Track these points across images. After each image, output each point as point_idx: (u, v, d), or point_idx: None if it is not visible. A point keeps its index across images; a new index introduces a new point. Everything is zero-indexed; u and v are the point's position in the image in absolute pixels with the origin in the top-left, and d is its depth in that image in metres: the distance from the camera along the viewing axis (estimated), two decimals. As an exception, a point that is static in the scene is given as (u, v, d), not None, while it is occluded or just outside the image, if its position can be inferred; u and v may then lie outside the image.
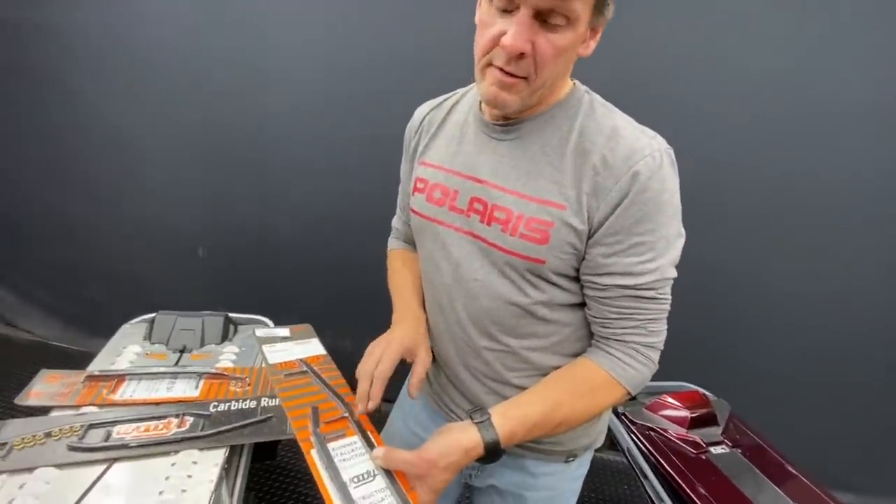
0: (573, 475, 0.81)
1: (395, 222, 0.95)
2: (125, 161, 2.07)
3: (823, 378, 1.74)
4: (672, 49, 1.54)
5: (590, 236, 0.61)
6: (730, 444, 1.21)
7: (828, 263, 1.65)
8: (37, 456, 0.76)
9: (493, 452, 0.59)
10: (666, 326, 0.65)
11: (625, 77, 1.51)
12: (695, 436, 1.21)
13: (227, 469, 0.83)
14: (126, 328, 1.23)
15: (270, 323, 1.33)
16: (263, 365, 0.80)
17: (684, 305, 1.58)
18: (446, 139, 0.74)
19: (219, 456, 0.82)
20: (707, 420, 1.25)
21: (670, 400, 1.28)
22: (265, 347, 0.79)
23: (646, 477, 1.14)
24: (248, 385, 1.00)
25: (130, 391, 0.94)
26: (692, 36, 1.52)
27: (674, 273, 0.63)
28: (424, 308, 0.81)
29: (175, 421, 0.86)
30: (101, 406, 0.90)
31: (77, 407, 0.89)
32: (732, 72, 1.53)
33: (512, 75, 0.58)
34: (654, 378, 0.68)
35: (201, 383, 0.98)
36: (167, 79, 1.91)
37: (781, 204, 1.62)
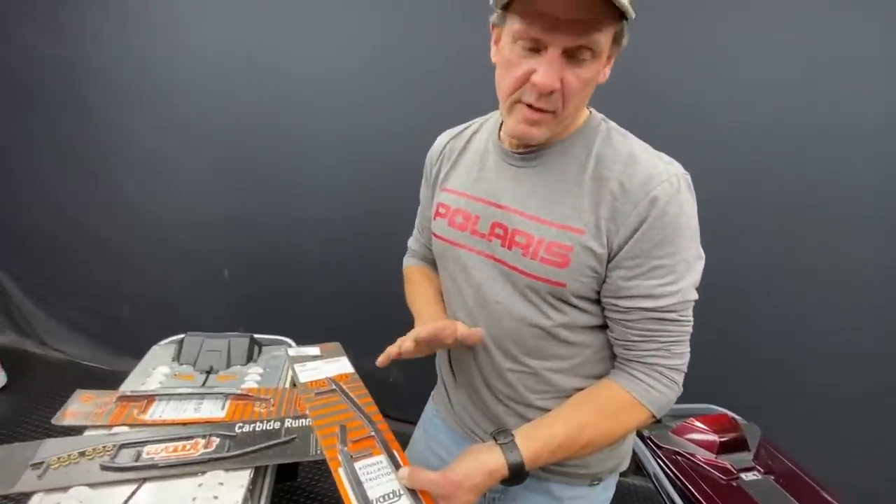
0: (598, 499, 0.80)
1: (412, 243, 0.97)
2: (156, 186, 2.16)
3: (860, 401, 1.67)
4: (684, 64, 1.55)
5: (609, 260, 0.62)
6: (762, 469, 1.17)
7: (862, 281, 1.59)
8: (71, 475, 0.79)
9: (517, 474, 0.59)
10: (689, 349, 0.65)
11: (638, 94, 1.53)
12: (724, 461, 1.17)
13: (252, 490, 0.84)
14: (156, 349, 1.26)
15: (293, 343, 1.35)
16: (295, 383, 0.81)
17: (708, 326, 1.55)
18: (467, 166, 0.77)
19: (244, 477, 0.83)
20: (737, 445, 1.21)
21: (697, 423, 1.25)
22: (297, 366, 0.81)
23: (674, 503, 1.11)
24: (273, 406, 1.01)
25: (160, 411, 0.96)
26: (704, 50, 1.53)
27: (695, 295, 0.63)
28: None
29: (202, 441, 0.88)
30: (132, 426, 0.92)
31: (109, 427, 0.92)
32: (747, 85, 1.52)
33: (541, 111, 0.60)
34: (679, 400, 0.67)
35: (227, 404, 1.00)
36: (195, 107, 2.00)
37: (807, 220, 1.58)
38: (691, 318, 0.64)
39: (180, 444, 0.87)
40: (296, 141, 1.95)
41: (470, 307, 0.73)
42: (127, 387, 1.08)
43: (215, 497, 0.78)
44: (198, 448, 0.86)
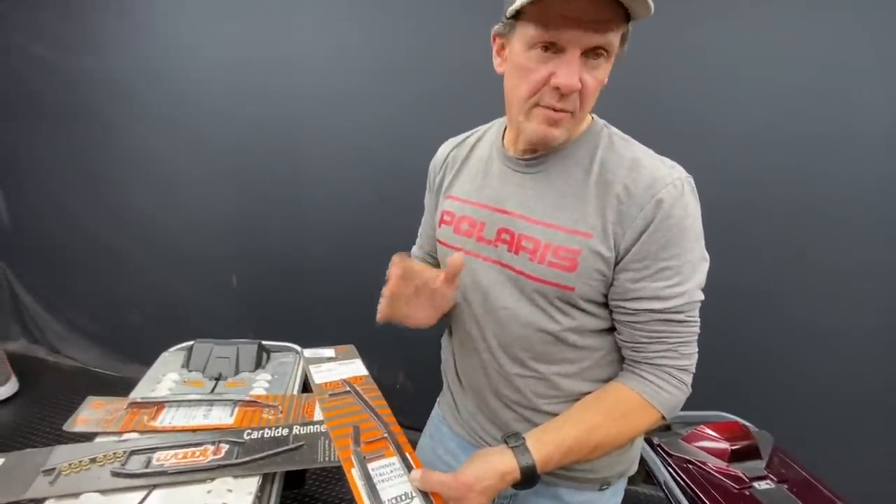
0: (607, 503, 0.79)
1: (415, 250, 0.97)
2: (165, 195, 2.19)
3: (875, 408, 1.64)
4: (689, 67, 1.55)
5: (617, 262, 0.63)
6: (775, 478, 1.15)
7: (876, 286, 1.57)
8: (82, 481, 0.79)
9: (529, 477, 0.59)
10: (696, 349, 0.66)
11: (644, 97, 1.53)
12: (736, 469, 1.15)
13: (260, 497, 0.84)
14: (165, 356, 1.27)
15: (300, 350, 1.36)
16: (304, 389, 0.81)
17: (718, 332, 1.54)
18: (471, 174, 0.77)
19: (252, 484, 0.83)
20: (749, 453, 1.20)
21: (708, 431, 1.23)
22: (312, 368, 0.81)
23: (685, 512, 1.10)
24: (281, 413, 1.02)
25: (170, 418, 0.97)
26: (709, 53, 1.52)
27: (701, 296, 0.64)
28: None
29: (211, 448, 0.88)
30: (142, 432, 0.93)
31: (120, 433, 0.92)
32: (750, 87, 1.51)
33: (562, 111, 0.61)
34: (689, 407, 0.67)
35: (236, 411, 1.01)
36: (204, 116, 2.03)
37: (818, 224, 1.57)
38: (698, 319, 0.64)
39: (190, 450, 0.87)
40: (303, 149, 1.97)
41: (477, 313, 0.73)
42: (137, 393, 1.09)
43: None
44: (207, 455, 0.87)
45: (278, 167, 2.02)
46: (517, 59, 0.61)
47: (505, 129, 0.75)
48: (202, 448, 0.88)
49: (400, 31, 1.76)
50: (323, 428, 0.95)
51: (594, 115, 0.71)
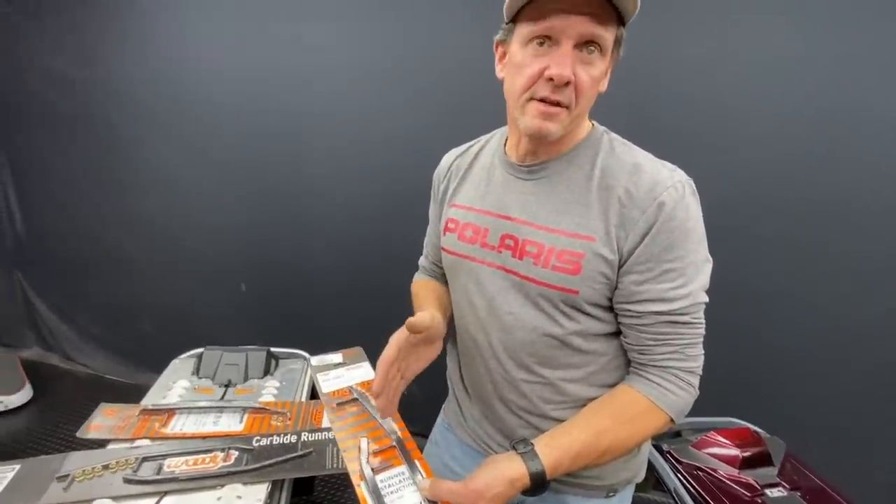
0: None
1: (422, 261, 0.98)
2: (175, 205, 2.22)
3: (891, 414, 1.61)
4: (694, 71, 1.55)
5: (620, 266, 0.64)
6: (787, 486, 1.13)
7: (892, 288, 1.55)
8: (95, 488, 0.80)
9: (539, 483, 0.59)
10: (702, 352, 0.66)
11: (648, 98, 1.53)
12: (748, 477, 1.14)
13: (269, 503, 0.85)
14: (176, 363, 1.29)
15: (308, 356, 1.36)
16: (312, 396, 0.81)
17: (728, 337, 1.53)
18: (474, 182, 0.78)
19: (261, 491, 0.84)
20: (761, 459, 1.18)
21: (718, 437, 1.22)
22: (319, 376, 0.81)
23: (696, 520, 1.08)
24: (289, 420, 1.03)
25: (180, 425, 0.98)
26: (716, 57, 1.52)
27: (705, 298, 0.64)
28: (454, 340, 0.83)
29: (221, 455, 0.89)
30: (153, 439, 0.94)
31: (132, 440, 0.94)
32: (761, 92, 1.51)
33: (557, 104, 0.62)
34: (699, 413, 0.66)
35: (245, 417, 1.02)
36: (214, 127, 2.06)
37: (831, 225, 1.55)
38: (703, 321, 0.65)
39: (200, 457, 0.88)
40: (310, 158, 1.99)
41: (482, 319, 0.74)
42: (148, 400, 1.10)
43: (234, 510, 0.79)
44: (217, 461, 0.88)
45: (286, 176, 2.04)
46: (514, 58, 0.64)
47: (507, 137, 0.76)
48: (212, 455, 0.89)
49: (406, 40, 1.78)
50: (331, 435, 0.95)
51: (594, 122, 0.72)
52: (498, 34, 0.68)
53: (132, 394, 1.32)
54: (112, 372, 2.49)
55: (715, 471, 1.17)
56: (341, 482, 1.84)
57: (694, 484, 1.13)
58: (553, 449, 0.61)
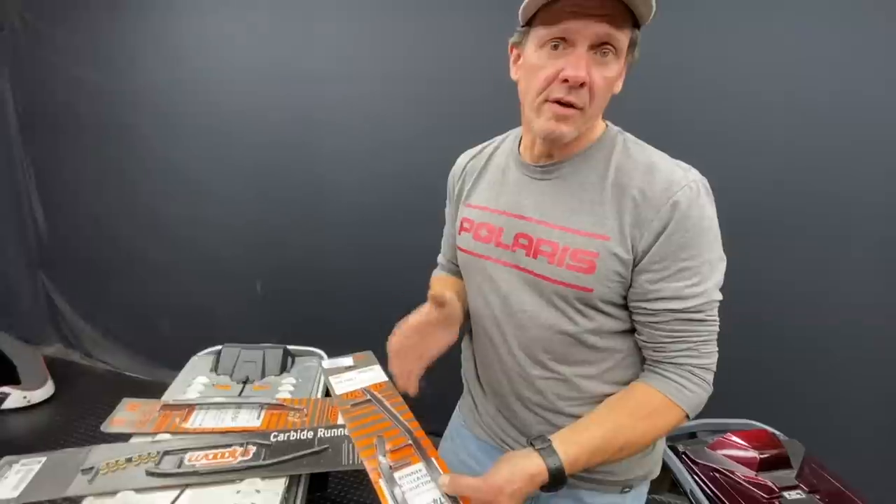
0: None
1: (440, 259, 0.99)
2: (193, 207, 2.26)
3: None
4: (711, 72, 1.53)
5: (635, 265, 0.64)
6: (806, 488, 1.12)
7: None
8: (119, 480, 0.83)
9: (557, 479, 0.60)
10: (716, 349, 0.66)
11: (662, 108, 1.52)
12: (766, 479, 1.12)
13: (287, 498, 0.86)
14: (195, 360, 1.31)
15: (324, 355, 1.38)
16: (332, 397, 0.82)
17: (746, 339, 1.51)
18: (488, 182, 0.79)
19: (279, 485, 0.85)
20: (779, 462, 1.16)
21: (735, 439, 1.20)
22: (332, 378, 0.82)
23: (712, 522, 1.07)
24: (306, 416, 1.04)
25: (200, 420, 1.00)
26: (733, 59, 1.51)
27: (719, 296, 0.64)
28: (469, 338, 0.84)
29: (240, 450, 0.91)
30: (174, 433, 0.96)
31: (153, 434, 0.96)
32: (777, 95, 1.49)
33: (570, 106, 0.62)
34: (715, 415, 0.66)
35: (263, 413, 1.04)
36: (231, 132, 2.10)
37: (848, 226, 1.52)
38: (717, 318, 0.65)
39: (219, 451, 0.90)
40: (325, 159, 2.02)
41: (497, 317, 0.74)
42: (169, 396, 1.13)
43: (252, 504, 0.81)
44: (236, 456, 0.89)
45: (301, 178, 2.07)
46: (530, 61, 0.64)
47: (521, 138, 0.77)
48: (231, 449, 0.91)
49: (420, 42, 1.79)
50: (347, 432, 0.96)
51: (608, 122, 0.72)
52: (513, 37, 0.68)
53: (151, 391, 1.34)
54: (131, 369, 2.54)
55: (732, 472, 1.15)
56: (355, 479, 1.85)
57: (710, 485, 1.12)
58: (571, 445, 0.61)
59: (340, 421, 1.02)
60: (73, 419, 2.13)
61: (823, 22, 1.41)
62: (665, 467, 1.13)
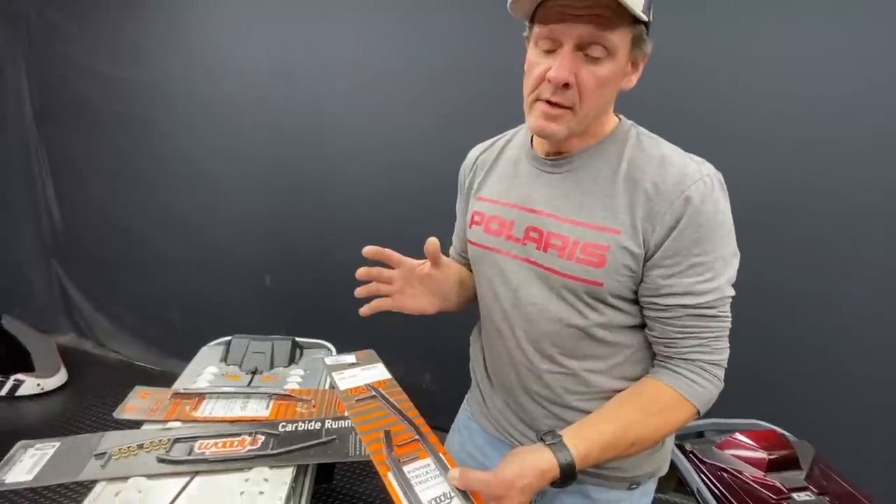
0: (637, 503, 0.78)
1: (451, 252, 0.99)
2: (204, 200, 2.28)
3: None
4: (725, 71, 1.51)
5: (647, 259, 0.63)
6: (816, 490, 1.11)
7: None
8: (131, 466, 0.84)
9: (568, 474, 0.60)
10: (728, 345, 0.66)
11: (676, 104, 1.50)
12: (774, 480, 1.11)
13: (294, 487, 0.87)
14: (205, 350, 1.33)
15: (332, 347, 1.39)
16: (336, 392, 0.82)
17: (756, 339, 1.50)
18: (500, 175, 0.79)
19: (287, 474, 0.86)
20: (788, 463, 1.16)
21: (744, 439, 1.20)
22: (335, 374, 0.82)
23: (719, 522, 1.07)
24: (314, 407, 1.05)
25: (209, 409, 1.01)
26: (749, 57, 1.49)
27: (732, 291, 0.64)
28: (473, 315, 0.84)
29: (248, 439, 0.92)
30: (184, 421, 0.97)
31: (164, 422, 0.97)
32: (790, 95, 1.47)
33: (559, 106, 0.62)
34: (724, 414, 0.66)
35: (271, 404, 1.04)
36: (241, 125, 2.12)
37: (860, 226, 1.50)
38: (730, 314, 0.65)
39: (229, 440, 0.91)
40: (333, 154, 2.02)
41: (507, 310, 0.74)
42: (180, 384, 1.14)
43: (261, 493, 0.81)
44: (245, 445, 0.90)
45: (309, 172, 2.08)
46: (528, 58, 0.65)
47: None
48: (240, 438, 0.92)
49: (429, 37, 1.79)
50: (352, 426, 0.97)
51: (622, 116, 0.71)
52: (525, 32, 0.69)
53: (161, 380, 1.36)
54: (142, 359, 2.58)
55: (740, 472, 1.15)
56: (361, 472, 1.87)
57: (718, 485, 1.12)
58: (581, 440, 0.61)
59: (348, 413, 1.03)
60: (85, 406, 2.17)
61: (844, 20, 1.38)
62: (672, 466, 1.13)
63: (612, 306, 0.67)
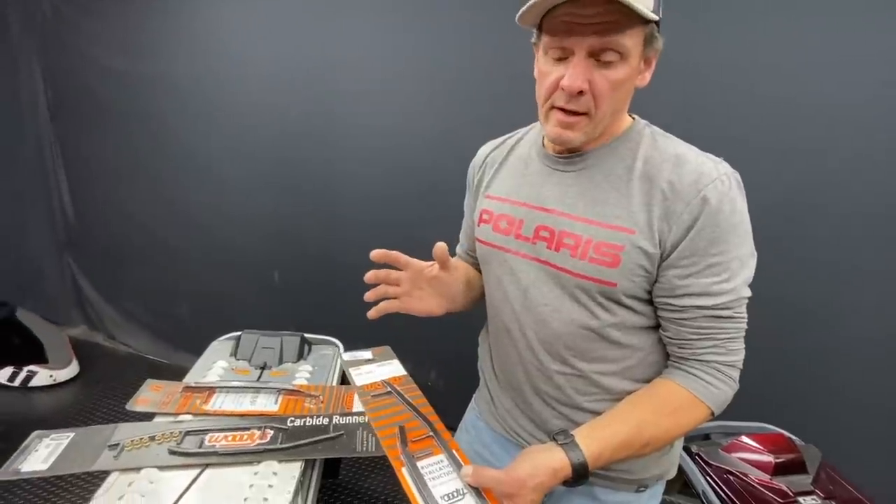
0: None
1: (458, 250, 0.99)
2: (214, 195, 2.30)
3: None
4: (739, 72, 1.50)
5: (663, 259, 0.63)
6: (822, 495, 1.10)
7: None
8: (143, 457, 0.86)
9: (580, 473, 0.60)
10: (743, 346, 0.65)
11: (683, 107, 1.49)
12: (781, 483, 1.11)
13: (302, 481, 0.88)
14: (215, 344, 1.34)
15: (340, 344, 1.40)
16: (343, 382, 0.83)
17: (764, 343, 1.48)
18: (510, 173, 0.79)
19: (296, 468, 0.87)
20: (794, 467, 1.15)
21: (750, 442, 1.19)
22: (352, 370, 0.83)
23: (724, 524, 1.07)
24: (322, 403, 1.06)
25: (220, 403, 1.03)
26: (763, 59, 1.48)
27: (748, 292, 0.63)
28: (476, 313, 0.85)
29: (258, 433, 0.93)
30: (195, 415, 0.99)
31: (176, 414, 0.99)
32: (802, 97, 1.46)
33: (574, 113, 0.62)
34: (732, 417, 0.66)
35: (280, 399, 1.06)
36: (251, 124, 2.13)
37: (869, 234, 1.48)
38: (746, 315, 0.64)
39: (238, 433, 0.92)
40: (342, 151, 2.03)
41: (517, 311, 0.74)
42: (190, 378, 1.16)
43: (270, 486, 0.83)
44: (254, 439, 0.92)
45: (318, 171, 2.09)
46: (539, 66, 0.65)
47: None
48: (250, 432, 0.93)
49: (437, 38, 1.79)
50: (361, 419, 0.98)
51: (636, 116, 0.71)
52: (532, 37, 0.68)
53: (170, 373, 1.38)
54: (152, 352, 2.61)
55: (746, 475, 1.14)
56: (367, 467, 1.88)
57: (724, 487, 1.12)
58: (594, 440, 0.61)
59: (355, 409, 1.04)
60: (96, 398, 2.20)
61: (854, 22, 1.37)
62: (678, 468, 1.13)
63: (625, 307, 0.66)
